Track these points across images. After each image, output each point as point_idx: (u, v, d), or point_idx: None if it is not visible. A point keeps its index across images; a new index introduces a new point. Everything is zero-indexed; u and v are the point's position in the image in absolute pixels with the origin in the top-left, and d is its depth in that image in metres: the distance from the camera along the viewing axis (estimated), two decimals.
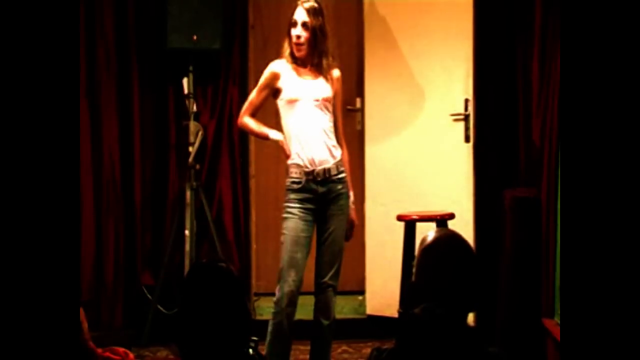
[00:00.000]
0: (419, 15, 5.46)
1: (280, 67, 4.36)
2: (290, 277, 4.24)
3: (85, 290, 5.34)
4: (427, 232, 2.79)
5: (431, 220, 4.78)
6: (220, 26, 5.38)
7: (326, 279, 4.33)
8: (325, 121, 4.32)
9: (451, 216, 4.83)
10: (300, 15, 4.29)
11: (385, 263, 5.40)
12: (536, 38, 5.14)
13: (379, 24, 5.55)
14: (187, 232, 5.31)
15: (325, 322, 4.38)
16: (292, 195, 4.30)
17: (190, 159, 5.37)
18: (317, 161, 4.28)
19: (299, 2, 4.33)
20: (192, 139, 5.39)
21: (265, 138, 4.42)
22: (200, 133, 5.41)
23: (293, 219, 4.28)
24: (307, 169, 4.28)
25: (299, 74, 4.34)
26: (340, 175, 4.34)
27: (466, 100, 5.35)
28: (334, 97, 4.37)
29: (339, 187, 4.33)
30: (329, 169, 4.30)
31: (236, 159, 5.58)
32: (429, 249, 2.69)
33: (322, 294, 4.35)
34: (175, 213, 5.46)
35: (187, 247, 5.29)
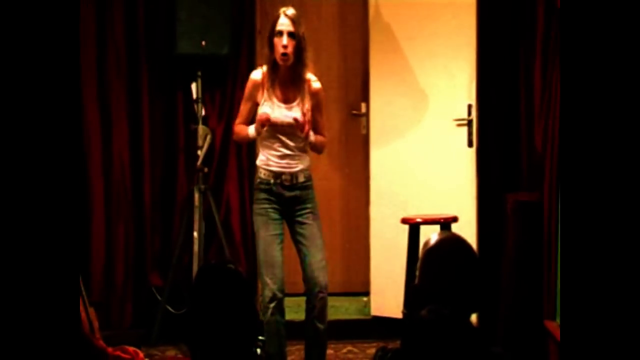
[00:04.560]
0: (423, 22, 5.48)
1: (261, 77, 4.37)
2: (269, 276, 4.27)
3: (96, 291, 5.39)
4: (430, 234, 2.81)
5: (435, 223, 4.79)
6: (228, 32, 5.42)
7: (321, 283, 4.34)
8: (298, 141, 4.36)
9: (454, 219, 4.83)
10: (285, 24, 4.29)
11: (390, 265, 5.44)
12: (538, 45, 5.13)
13: (383, 30, 5.59)
14: (195, 233, 5.33)
15: (322, 327, 4.40)
16: (262, 195, 4.36)
17: (199, 162, 5.40)
18: (285, 171, 4.35)
19: (281, 11, 4.33)
20: (200, 142, 5.42)
21: (248, 137, 4.42)
22: (208, 137, 5.44)
23: (263, 218, 4.34)
24: (275, 174, 4.35)
25: (275, 93, 4.35)
26: (307, 182, 4.40)
27: (469, 106, 5.38)
28: (314, 109, 4.37)
29: (306, 192, 4.39)
30: (296, 175, 4.36)
31: (243, 162, 5.61)
32: (432, 251, 2.71)
33: (318, 300, 4.35)
34: (183, 215, 5.48)
35: (196, 248, 5.31)
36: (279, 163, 4.36)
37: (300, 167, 4.38)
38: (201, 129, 5.44)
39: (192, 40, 5.34)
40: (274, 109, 4.33)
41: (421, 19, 5.50)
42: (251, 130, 4.37)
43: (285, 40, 4.27)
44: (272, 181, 4.35)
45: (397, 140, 5.59)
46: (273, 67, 4.34)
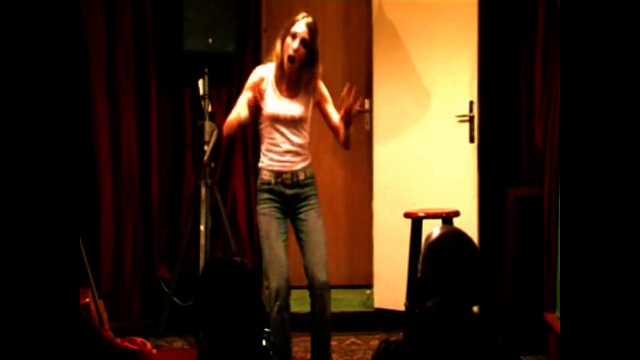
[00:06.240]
0: (425, 20, 5.52)
1: (267, 72, 4.38)
2: (273, 275, 4.28)
3: (104, 283, 5.44)
4: (432, 228, 2.84)
5: (437, 217, 4.80)
6: (235, 30, 5.47)
7: (320, 279, 4.33)
8: (300, 137, 4.39)
9: (456, 214, 4.85)
10: (302, 29, 4.27)
11: (393, 258, 5.47)
12: (539, 43, 5.18)
13: (387, 28, 5.63)
14: (202, 227, 5.37)
15: (325, 321, 4.41)
16: (264, 195, 4.38)
17: (206, 158, 5.44)
18: (286, 170, 4.38)
19: (300, 17, 4.31)
20: (207, 138, 5.45)
21: (239, 118, 4.34)
22: (215, 132, 5.45)
23: (266, 217, 4.36)
24: (276, 173, 4.37)
25: (280, 88, 4.36)
26: (308, 180, 4.43)
27: (471, 102, 5.42)
28: (323, 102, 4.43)
29: (307, 189, 4.42)
30: (297, 173, 4.39)
31: (249, 157, 5.64)
32: (434, 245, 2.74)
33: (320, 297, 4.36)
34: (190, 209, 5.53)
35: (202, 242, 5.35)
36: (281, 160, 4.37)
37: (301, 165, 4.40)
38: (208, 125, 5.47)
39: (199, 38, 5.39)
40: (278, 102, 4.35)
41: (424, 17, 5.53)
42: (242, 112, 4.30)
43: (296, 44, 4.26)
44: (273, 181, 4.37)
45: (400, 136, 5.63)
46: (281, 66, 4.34)
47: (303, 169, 4.41)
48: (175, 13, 5.51)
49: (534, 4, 5.24)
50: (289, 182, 4.38)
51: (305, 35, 4.28)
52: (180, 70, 5.61)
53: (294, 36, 4.28)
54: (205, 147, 5.47)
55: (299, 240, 4.44)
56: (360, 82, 6.10)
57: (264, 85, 4.37)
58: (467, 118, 5.45)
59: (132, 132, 5.56)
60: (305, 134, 4.43)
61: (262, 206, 4.40)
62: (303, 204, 4.41)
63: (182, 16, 5.43)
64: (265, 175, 4.40)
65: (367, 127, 6.01)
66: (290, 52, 4.28)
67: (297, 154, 4.40)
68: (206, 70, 5.50)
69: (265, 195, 4.39)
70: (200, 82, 5.50)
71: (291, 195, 4.39)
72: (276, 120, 4.35)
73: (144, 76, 5.57)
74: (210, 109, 5.53)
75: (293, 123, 4.37)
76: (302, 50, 4.28)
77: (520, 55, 5.44)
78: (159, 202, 5.64)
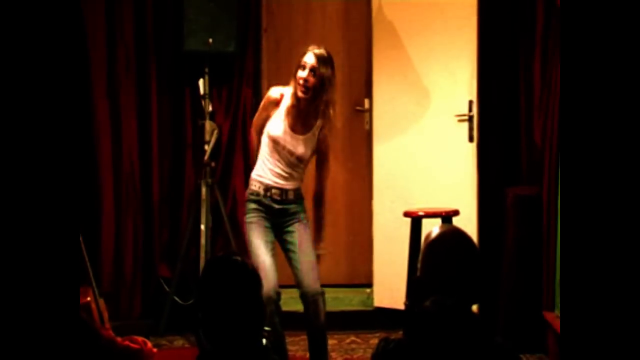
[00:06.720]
0: (425, 20, 5.53)
1: (279, 96, 4.39)
2: (263, 281, 4.24)
3: (105, 282, 5.45)
4: (432, 227, 2.85)
5: (436, 216, 4.81)
6: (235, 30, 5.48)
7: (312, 288, 4.32)
8: (296, 170, 4.39)
9: (455, 213, 4.86)
10: (310, 59, 4.27)
11: (392, 257, 5.48)
12: (538, 42, 5.19)
13: (386, 28, 5.64)
14: (202, 227, 5.38)
15: (319, 324, 4.39)
16: (252, 206, 4.40)
17: (206, 157, 5.46)
18: (276, 187, 4.38)
19: (310, 48, 4.31)
20: (207, 137, 5.47)
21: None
22: (215, 132, 5.48)
23: (253, 226, 4.37)
24: (266, 186, 4.38)
25: (292, 121, 4.36)
26: (297, 199, 4.42)
27: (470, 102, 5.41)
28: (321, 162, 4.45)
29: (294, 206, 4.41)
30: (286, 192, 4.39)
31: (250, 156, 5.58)
32: (433, 244, 2.75)
33: (314, 303, 4.34)
34: (191, 209, 5.54)
35: (203, 241, 5.36)
36: (272, 179, 4.38)
37: (291, 186, 4.41)
38: (208, 124, 5.49)
39: (200, 38, 5.40)
40: (286, 134, 4.35)
41: (423, 17, 5.54)
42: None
43: (306, 73, 4.26)
44: (262, 193, 4.38)
45: (399, 135, 5.64)
46: (295, 99, 4.33)
47: (293, 190, 4.42)
48: (176, 13, 5.53)
49: (533, 3, 5.26)
50: (277, 197, 4.39)
51: (315, 64, 4.27)
52: (180, 70, 5.63)
53: (303, 67, 4.29)
54: (206, 147, 5.49)
55: (287, 252, 4.43)
56: (360, 82, 6.13)
57: (273, 111, 4.39)
58: (466, 117, 5.45)
59: (132, 131, 5.58)
60: (304, 167, 4.44)
61: (249, 215, 4.42)
62: (289, 218, 4.42)
63: (182, 16, 5.45)
64: (255, 187, 4.42)
65: (367, 127, 6.03)
66: (301, 82, 4.28)
67: (289, 178, 4.40)
68: (206, 70, 5.51)
69: (253, 206, 4.41)
70: (201, 82, 5.52)
71: (278, 209, 4.39)
72: (277, 144, 4.37)
73: (145, 76, 5.59)
74: (210, 108, 5.54)
75: (293, 158, 4.38)
76: (312, 79, 4.28)
77: (520, 54, 5.46)
78: (159, 201, 5.65)
